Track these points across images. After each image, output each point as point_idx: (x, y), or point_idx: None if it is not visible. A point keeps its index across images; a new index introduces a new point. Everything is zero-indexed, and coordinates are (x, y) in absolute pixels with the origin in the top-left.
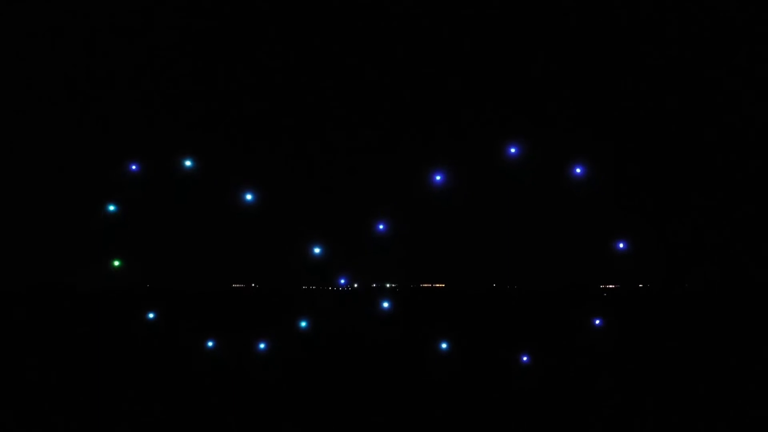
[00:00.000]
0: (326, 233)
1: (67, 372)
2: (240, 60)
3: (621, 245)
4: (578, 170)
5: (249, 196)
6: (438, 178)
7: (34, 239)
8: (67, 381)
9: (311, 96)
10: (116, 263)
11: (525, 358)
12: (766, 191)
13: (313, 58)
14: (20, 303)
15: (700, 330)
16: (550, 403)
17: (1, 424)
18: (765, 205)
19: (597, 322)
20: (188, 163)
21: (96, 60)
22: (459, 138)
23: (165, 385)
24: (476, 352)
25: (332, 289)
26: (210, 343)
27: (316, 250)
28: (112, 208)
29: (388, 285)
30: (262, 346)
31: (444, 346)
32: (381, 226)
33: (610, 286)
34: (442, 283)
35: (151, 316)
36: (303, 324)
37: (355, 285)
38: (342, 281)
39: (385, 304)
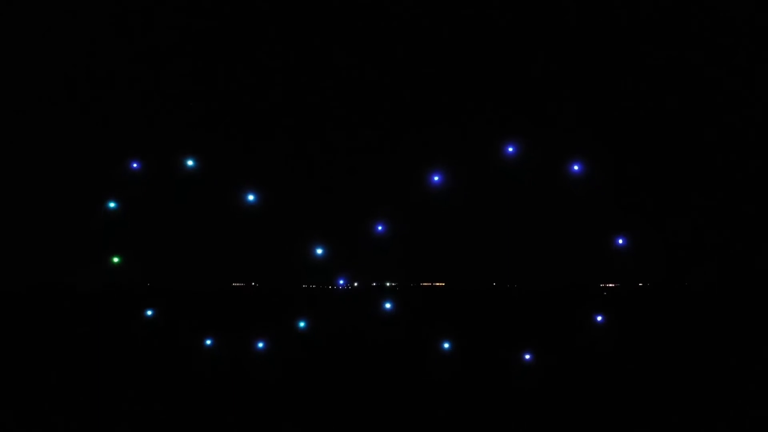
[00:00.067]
0: (326, 232)
1: (67, 371)
2: (240, 60)
3: (621, 244)
4: (578, 169)
5: (249, 196)
6: (438, 177)
7: (35, 238)
8: (67, 380)
9: (311, 96)
10: (115, 259)
11: (525, 357)
12: (766, 191)
13: (313, 58)
14: (20, 302)
15: (700, 330)
16: (549, 402)
17: (1, 424)
18: (765, 205)
19: (597, 321)
20: (188, 162)
21: (96, 60)
22: (459, 137)
23: (165, 384)
24: (476, 351)
25: (332, 288)
26: (211, 342)
27: (316, 250)
28: (112, 205)
29: (388, 284)
30: (262, 344)
31: (444, 344)
32: (381, 226)
33: (610, 285)
34: (442, 282)
35: (151, 315)
36: (303, 323)
37: (355, 284)
38: (342, 280)
39: (386, 303)
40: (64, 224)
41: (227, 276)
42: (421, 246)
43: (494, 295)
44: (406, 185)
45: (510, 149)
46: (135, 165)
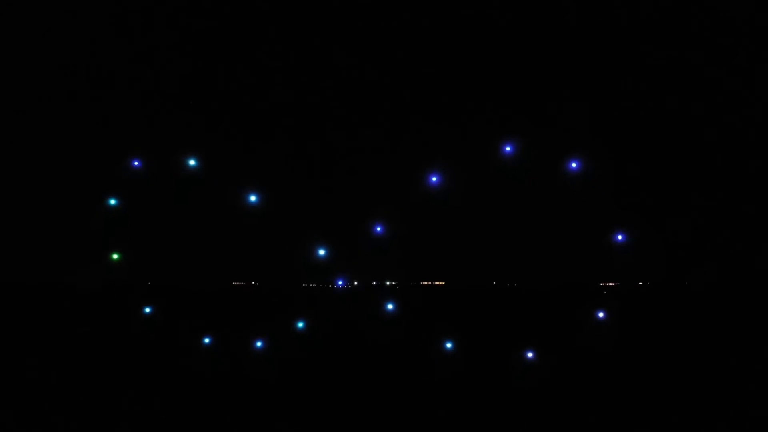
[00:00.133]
0: (326, 232)
1: (66, 371)
2: (240, 60)
3: (621, 244)
4: (578, 169)
5: (249, 195)
6: (438, 176)
7: (35, 238)
8: (67, 380)
9: (311, 96)
10: (115, 256)
11: (524, 356)
12: (766, 191)
13: (313, 58)
14: (20, 301)
15: (700, 329)
16: (548, 402)
17: (1, 425)
18: (765, 205)
19: (597, 320)
20: (188, 162)
21: (96, 60)
22: (459, 137)
23: (165, 383)
24: (476, 350)
25: (332, 287)
26: (211, 341)
27: (316, 249)
28: (113, 202)
29: (388, 283)
30: (262, 343)
31: (444, 343)
32: (381, 225)
33: (610, 284)
34: (442, 282)
35: (151, 313)
36: (303, 322)
37: (356, 283)
38: (341, 281)
39: (386, 302)
40: (64, 223)
41: (227, 275)
42: (421, 245)
43: (494, 294)
44: (406, 185)
45: (510, 149)
46: (135, 165)
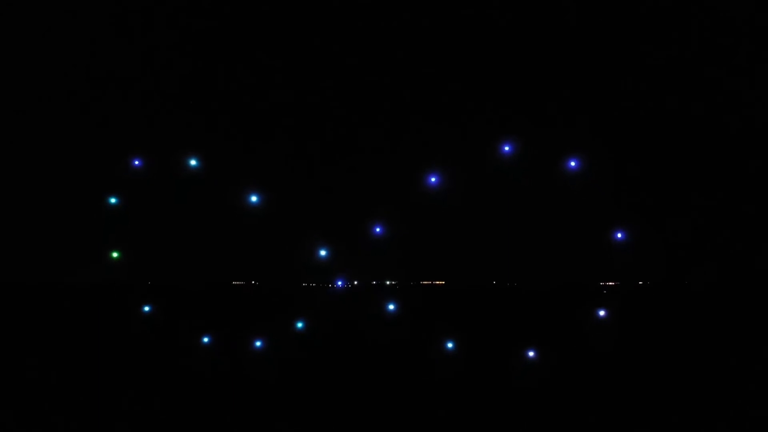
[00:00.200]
0: (326, 231)
1: (66, 370)
2: (240, 60)
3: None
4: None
5: (249, 195)
6: (438, 176)
7: (35, 237)
8: (67, 379)
9: (311, 96)
10: (115, 254)
11: (524, 355)
12: (766, 191)
13: (313, 58)
14: (20, 301)
15: (700, 329)
16: (547, 401)
17: (1, 424)
18: (765, 205)
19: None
20: (188, 162)
21: (96, 60)
22: (459, 137)
23: (165, 382)
24: (476, 349)
25: (332, 286)
26: (211, 341)
27: (316, 248)
28: (112, 202)
29: (388, 282)
30: (262, 343)
31: (444, 342)
32: (381, 225)
33: (610, 284)
34: (442, 281)
35: (151, 313)
36: (303, 321)
37: (355, 282)
38: (341, 281)
39: (386, 302)
40: (64, 224)
41: (227, 275)
42: (421, 245)
43: (494, 293)
44: (406, 184)
45: (510, 149)
46: (135, 165)
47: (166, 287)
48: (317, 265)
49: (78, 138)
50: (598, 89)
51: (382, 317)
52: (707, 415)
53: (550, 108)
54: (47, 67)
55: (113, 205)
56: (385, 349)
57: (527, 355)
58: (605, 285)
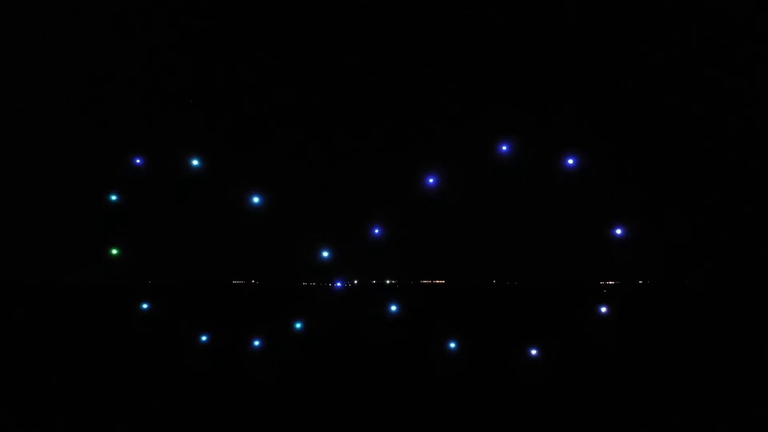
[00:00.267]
0: (326, 231)
1: (66, 370)
2: (240, 60)
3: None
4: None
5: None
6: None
7: (35, 237)
8: (67, 379)
9: (311, 96)
10: (114, 251)
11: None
12: (766, 191)
13: (313, 58)
14: (20, 301)
15: (700, 329)
16: (547, 400)
17: (1, 424)
18: (765, 205)
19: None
20: (188, 162)
21: (96, 60)
22: (459, 137)
23: (165, 382)
24: (477, 348)
25: (332, 285)
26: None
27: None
28: (113, 203)
29: (388, 282)
30: (263, 342)
31: (444, 341)
32: (381, 224)
33: (610, 283)
34: (442, 280)
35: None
36: (303, 320)
37: (356, 282)
38: (342, 279)
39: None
40: (64, 224)
41: (227, 274)
42: (421, 244)
43: (494, 292)
44: (406, 184)
45: (510, 149)
46: (135, 165)
47: (166, 287)
48: (317, 264)
49: (78, 138)
50: (598, 89)
51: (382, 316)
52: (707, 415)
53: (550, 108)
54: (47, 67)
55: (113, 205)
56: (385, 348)
57: (527, 354)
58: (605, 284)
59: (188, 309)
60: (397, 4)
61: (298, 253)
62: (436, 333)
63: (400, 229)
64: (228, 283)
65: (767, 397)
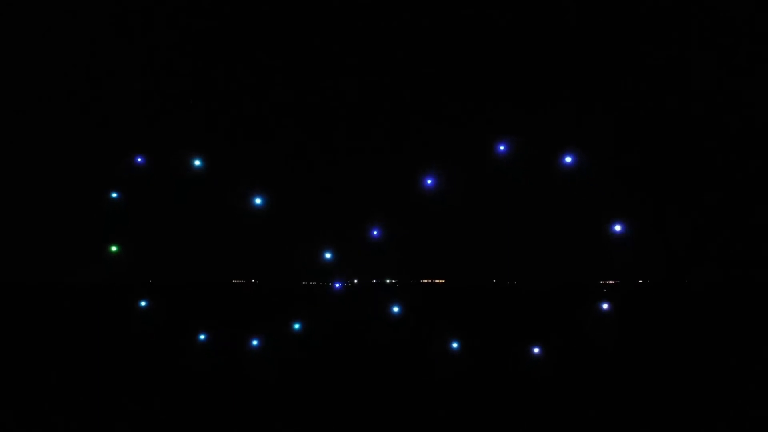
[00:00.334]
0: (327, 231)
1: (66, 370)
2: (240, 60)
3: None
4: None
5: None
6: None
7: (35, 237)
8: (67, 379)
9: (311, 96)
10: (114, 248)
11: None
12: (766, 191)
13: (313, 58)
14: (20, 301)
15: (700, 329)
16: (546, 400)
17: (1, 424)
18: (765, 205)
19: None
20: (188, 162)
21: (96, 60)
22: (460, 136)
23: (165, 382)
24: (477, 347)
25: (332, 285)
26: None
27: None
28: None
29: (388, 281)
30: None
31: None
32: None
33: (610, 282)
34: (442, 280)
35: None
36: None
37: (356, 281)
38: (340, 283)
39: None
40: (64, 223)
41: (227, 273)
42: (421, 244)
43: (494, 292)
44: (406, 184)
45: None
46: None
47: (166, 287)
48: (317, 263)
49: (78, 138)
50: (598, 89)
51: (382, 316)
52: (707, 415)
53: (551, 108)
54: (47, 67)
55: (113, 206)
56: (385, 347)
57: (527, 354)
58: (605, 284)
59: (188, 309)
60: (397, 4)
61: (298, 253)
62: (436, 333)
63: (400, 229)
64: (228, 282)
65: (767, 397)
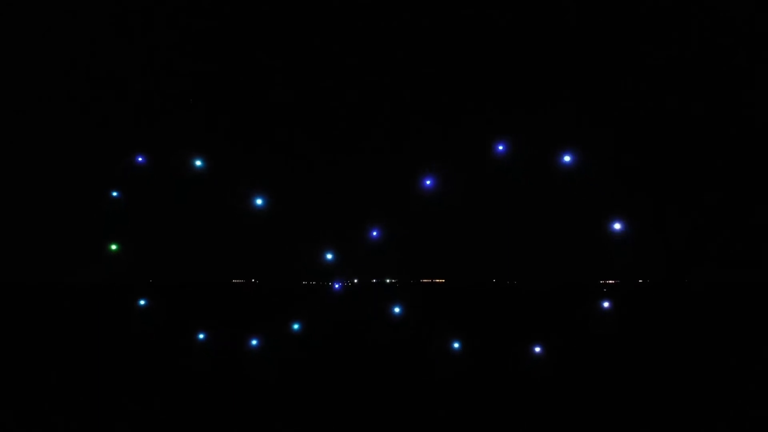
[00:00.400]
0: (327, 230)
1: (66, 370)
2: (240, 60)
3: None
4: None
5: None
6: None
7: (35, 237)
8: (67, 379)
9: (311, 96)
10: (113, 246)
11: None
12: (767, 191)
13: (313, 58)
14: (20, 301)
15: (700, 329)
16: (546, 399)
17: (1, 424)
18: (765, 205)
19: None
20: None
21: (96, 60)
22: (460, 136)
23: (165, 382)
24: (477, 347)
25: (332, 284)
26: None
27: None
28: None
29: (388, 281)
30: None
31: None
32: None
33: (610, 282)
34: (442, 279)
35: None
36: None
37: (356, 281)
38: (340, 283)
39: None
40: (64, 223)
41: (227, 273)
42: (421, 243)
43: (494, 291)
44: (406, 183)
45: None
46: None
47: (166, 286)
48: (317, 263)
49: (78, 138)
50: (598, 89)
51: (382, 315)
52: (707, 415)
53: (551, 108)
54: (47, 67)
55: (113, 206)
56: (385, 347)
57: (526, 353)
58: (605, 283)
59: (188, 308)
60: (397, 4)
61: (297, 253)
62: (436, 332)
63: (400, 228)
64: (228, 282)
65: (767, 397)
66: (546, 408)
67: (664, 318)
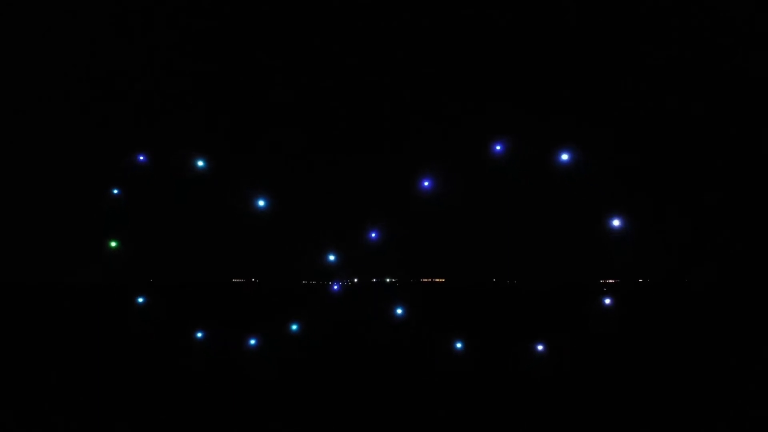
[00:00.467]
0: (327, 230)
1: (66, 370)
2: (240, 60)
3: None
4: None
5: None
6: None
7: (35, 238)
8: (67, 379)
9: (311, 96)
10: (113, 243)
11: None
12: (767, 191)
13: (313, 58)
14: (20, 300)
15: (700, 329)
16: (545, 399)
17: (1, 424)
18: (765, 205)
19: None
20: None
21: (96, 60)
22: (460, 136)
23: (165, 382)
24: (477, 346)
25: (332, 284)
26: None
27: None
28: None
29: (388, 280)
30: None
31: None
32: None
33: (610, 282)
34: (442, 279)
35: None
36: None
37: (356, 280)
38: (339, 283)
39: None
40: (64, 224)
41: (227, 272)
42: (421, 243)
43: (494, 291)
44: (407, 183)
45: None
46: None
47: (166, 286)
48: (317, 263)
49: (78, 138)
50: (598, 89)
51: (382, 315)
52: (707, 415)
53: (551, 108)
54: (47, 67)
55: (113, 206)
56: (385, 346)
57: (527, 352)
58: (605, 283)
59: (188, 308)
60: (397, 4)
61: (298, 253)
62: (436, 332)
63: (399, 228)
64: (228, 282)
65: (767, 397)
66: (546, 407)
67: (664, 317)
